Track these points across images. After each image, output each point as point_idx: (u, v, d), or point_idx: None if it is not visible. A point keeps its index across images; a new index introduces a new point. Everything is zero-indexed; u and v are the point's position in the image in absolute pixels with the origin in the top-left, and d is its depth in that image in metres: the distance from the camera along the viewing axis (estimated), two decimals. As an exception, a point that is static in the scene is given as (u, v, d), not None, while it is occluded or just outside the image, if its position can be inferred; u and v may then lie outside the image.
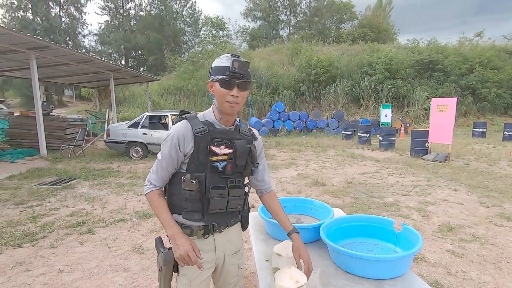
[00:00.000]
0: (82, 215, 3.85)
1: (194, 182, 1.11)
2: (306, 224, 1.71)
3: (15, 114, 11.02)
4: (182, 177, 1.13)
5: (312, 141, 11.32)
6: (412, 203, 4.27)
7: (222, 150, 1.14)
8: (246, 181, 1.31)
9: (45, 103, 10.27)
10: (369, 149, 9.39)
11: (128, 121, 8.23)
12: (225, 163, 1.16)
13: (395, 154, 8.47)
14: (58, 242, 3.10)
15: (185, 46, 33.70)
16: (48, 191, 4.82)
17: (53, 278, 2.47)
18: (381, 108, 13.42)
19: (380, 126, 12.72)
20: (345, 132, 11.89)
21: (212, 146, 1.13)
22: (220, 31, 29.55)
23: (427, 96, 15.22)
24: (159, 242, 1.19)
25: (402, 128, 12.86)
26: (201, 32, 32.81)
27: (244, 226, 1.37)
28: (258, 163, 1.29)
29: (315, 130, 13.76)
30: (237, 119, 1.25)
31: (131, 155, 7.81)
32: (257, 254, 1.52)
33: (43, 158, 7.54)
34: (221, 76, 1.09)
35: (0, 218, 3.69)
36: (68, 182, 5.39)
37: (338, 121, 13.66)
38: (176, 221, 1.17)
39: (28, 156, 7.65)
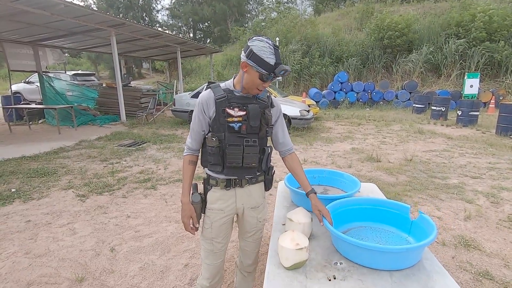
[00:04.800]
0: (148, 173, 4.47)
1: (215, 139, 1.32)
2: (321, 195, 1.70)
3: (103, 85, 12.82)
4: (206, 136, 1.37)
5: (376, 114, 10.47)
6: (481, 187, 3.75)
7: (236, 112, 1.31)
8: (270, 143, 1.46)
9: (125, 75, 11.64)
10: (443, 125, 8.28)
11: (191, 92, 8.85)
12: (240, 124, 1.31)
13: (476, 132, 7.32)
14: (128, 193, 3.72)
15: (249, 15, 33.36)
16: (125, 152, 5.67)
17: (122, 221, 3.02)
18: (465, 77, 11.42)
19: (463, 98, 10.94)
20: (417, 105, 10.61)
21: (227, 109, 1.30)
22: (284, -4, 28.23)
23: (533, 62, 12.28)
24: (194, 186, 1.44)
25: (493, 101, 10.85)
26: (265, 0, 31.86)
27: (268, 187, 1.52)
28: (272, 125, 1.42)
29: (381, 102, 12.61)
30: None
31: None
32: (276, 218, 1.62)
33: (123, 123, 8.77)
34: (265, 73, 1.23)
35: (90, 171, 4.55)
36: (141, 145, 6.23)
37: (410, 93, 12.21)
38: (206, 173, 1.43)
39: (112, 121, 8.99)
